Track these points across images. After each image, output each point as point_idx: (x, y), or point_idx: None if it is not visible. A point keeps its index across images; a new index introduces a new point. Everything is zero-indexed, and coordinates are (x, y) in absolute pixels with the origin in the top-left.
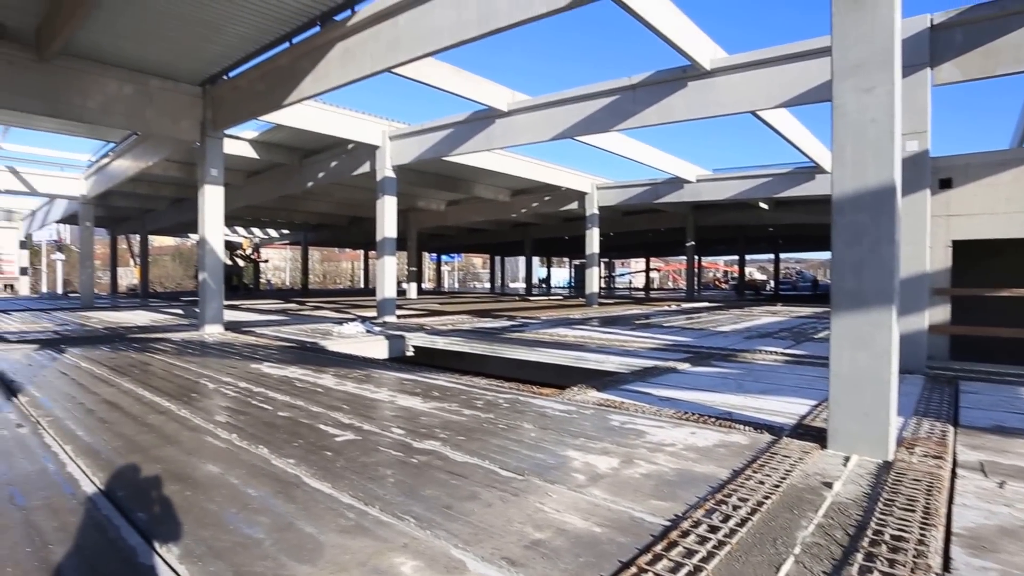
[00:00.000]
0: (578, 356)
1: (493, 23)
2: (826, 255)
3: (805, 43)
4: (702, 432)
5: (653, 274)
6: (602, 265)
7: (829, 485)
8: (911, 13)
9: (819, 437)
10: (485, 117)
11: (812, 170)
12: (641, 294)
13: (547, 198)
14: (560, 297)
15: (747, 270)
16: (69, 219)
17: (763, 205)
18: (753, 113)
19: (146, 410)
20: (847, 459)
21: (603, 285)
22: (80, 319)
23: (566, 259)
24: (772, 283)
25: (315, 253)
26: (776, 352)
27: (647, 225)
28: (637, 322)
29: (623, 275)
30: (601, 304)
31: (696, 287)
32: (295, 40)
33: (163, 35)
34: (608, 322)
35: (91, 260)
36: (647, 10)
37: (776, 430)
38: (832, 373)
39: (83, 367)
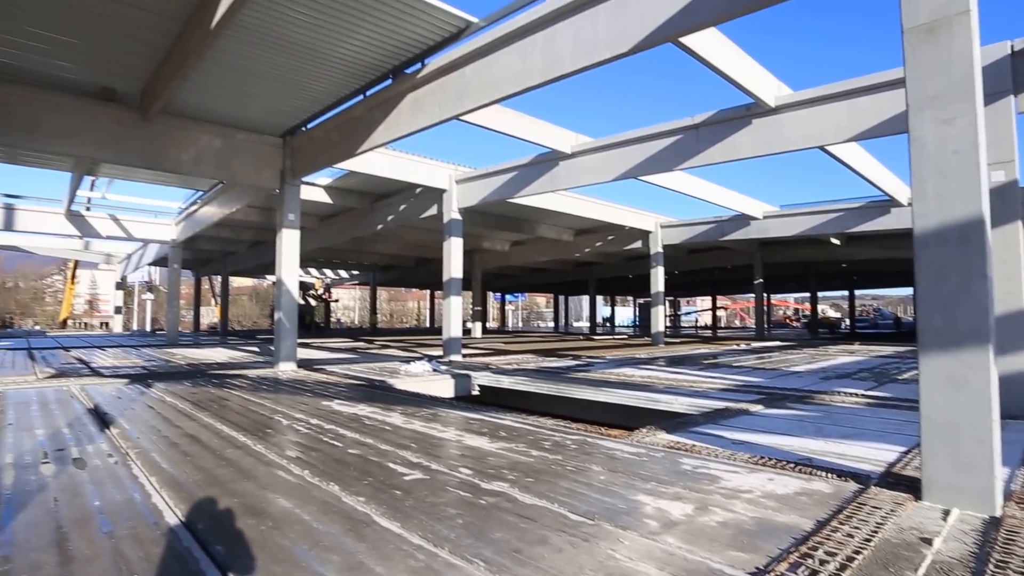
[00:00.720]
0: (646, 397)
1: (557, 70)
2: (906, 291)
3: (876, 76)
4: (781, 478)
5: (720, 312)
6: (667, 304)
7: (928, 541)
8: (988, 40)
9: (912, 487)
10: (548, 159)
11: (887, 204)
12: (708, 333)
13: (610, 237)
14: (625, 336)
15: (820, 307)
16: (159, 262)
17: (834, 241)
18: (822, 148)
19: (224, 444)
20: (946, 513)
21: (668, 324)
22: (165, 355)
23: (630, 298)
24: (847, 321)
25: (383, 293)
26: (857, 394)
27: (713, 263)
28: (705, 361)
29: (689, 313)
30: (667, 343)
31: (766, 325)
32: (369, 92)
33: (251, 94)
34: (675, 362)
35: (177, 300)
36: (710, 53)
37: (862, 478)
38: (924, 418)
39: (167, 401)
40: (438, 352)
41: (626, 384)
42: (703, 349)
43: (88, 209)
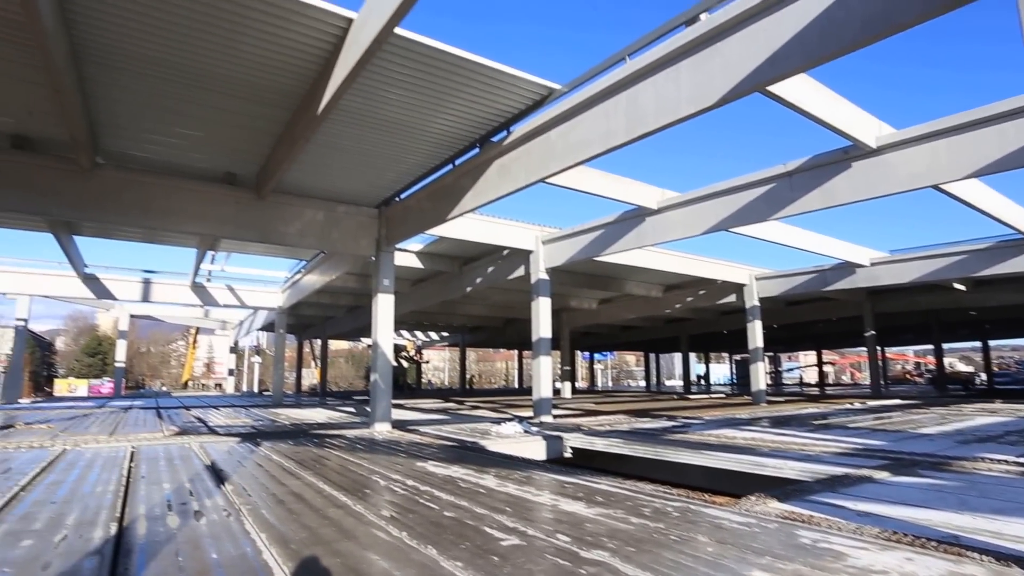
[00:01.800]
0: (751, 460)
1: (641, 128)
2: None
3: (998, 105)
4: (921, 559)
5: (827, 368)
6: (766, 360)
7: None
8: None
9: None
10: (635, 216)
11: (1021, 243)
12: (814, 390)
13: (702, 292)
14: (722, 395)
15: (946, 361)
16: (267, 327)
17: (958, 286)
18: (935, 187)
19: (326, 503)
20: None
21: (769, 381)
22: (271, 415)
23: (725, 354)
24: (983, 375)
25: (471, 353)
26: (1007, 461)
27: (815, 315)
28: (815, 422)
29: (791, 370)
30: (770, 402)
31: (882, 382)
32: (457, 162)
33: (350, 170)
34: (780, 422)
35: (282, 363)
36: (800, 98)
37: None
38: None
39: (273, 459)
40: (528, 413)
41: (728, 447)
42: (811, 408)
43: (208, 281)
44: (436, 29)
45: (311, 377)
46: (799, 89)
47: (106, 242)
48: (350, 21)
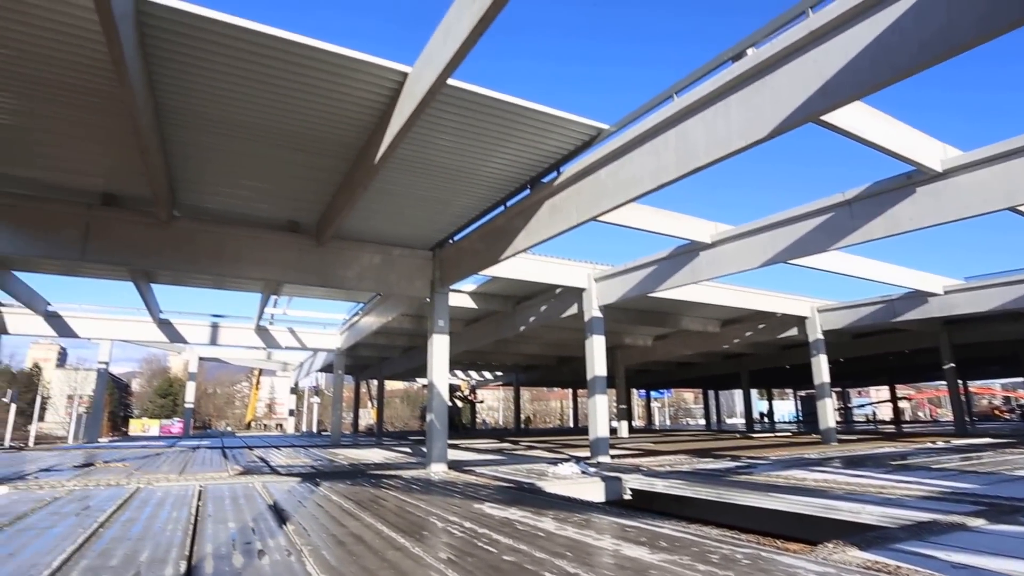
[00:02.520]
0: (823, 504)
1: (692, 163)
2: None
3: None
4: None
5: (902, 404)
6: (834, 395)
7: None
8: None
9: None
10: (688, 251)
11: None
12: (889, 428)
13: (761, 326)
14: (787, 434)
15: None
16: (325, 368)
17: None
18: (1012, 209)
19: (385, 545)
20: None
21: (839, 418)
22: (329, 455)
23: (788, 390)
24: None
25: (525, 392)
26: None
27: (886, 347)
28: (893, 463)
29: (862, 406)
30: (840, 441)
31: (967, 418)
32: (509, 203)
33: (405, 215)
34: (854, 463)
35: (340, 403)
36: (857, 126)
37: None
38: None
39: (333, 500)
40: (585, 453)
41: (798, 489)
42: (887, 447)
43: (271, 324)
44: (485, 73)
45: (367, 417)
46: (854, 116)
47: (178, 288)
48: (405, 75)
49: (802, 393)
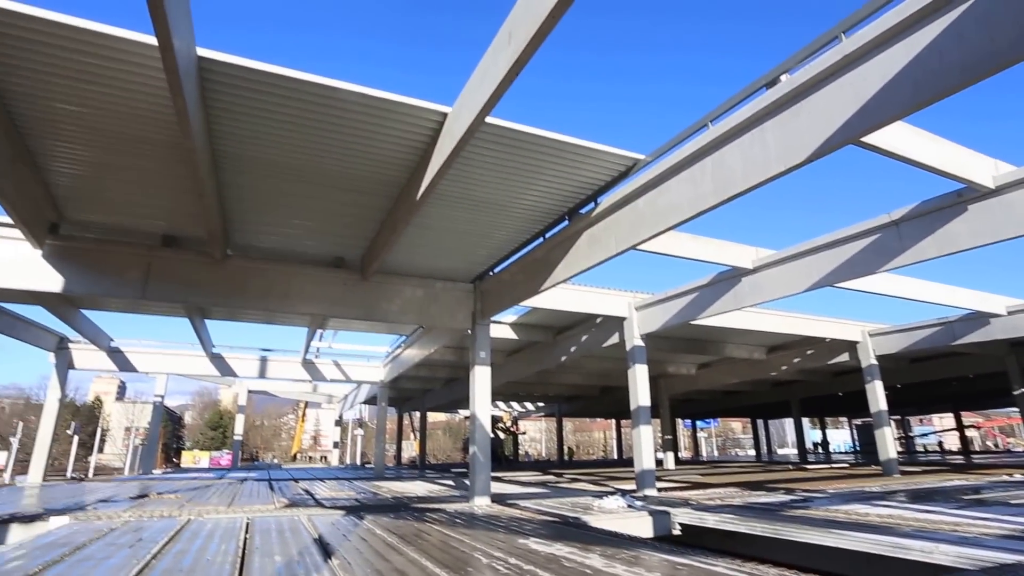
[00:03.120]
0: (890, 542)
1: (730, 190)
2: None
3: None
4: None
5: (969, 432)
6: (892, 424)
7: None
8: None
9: None
10: (730, 277)
11: None
12: (957, 458)
13: (810, 352)
14: (844, 465)
15: None
16: (369, 400)
17: None
18: None
19: None
20: None
21: (899, 448)
22: (373, 488)
23: (843, 418)
24: None
25: (568, 423)
26: None
27: (946, 372)
28: (965, 497)
29: (925, 435)
30: (903, 472)
31: None
32: (548, 235)
33: (446, 248)
34: (920, 497)
35: (384, 435)
36: (899, 145)
37: None
38: None
39: (377, 533)
40: (630, 486)
41: (860, 525)
42: (956, 480)
43: (317, 357)
44: (520, 108)
45: (410, 449)
46: (897, 136)
47: (228, 324)
48: (445, 115)
49: (858, 421)
